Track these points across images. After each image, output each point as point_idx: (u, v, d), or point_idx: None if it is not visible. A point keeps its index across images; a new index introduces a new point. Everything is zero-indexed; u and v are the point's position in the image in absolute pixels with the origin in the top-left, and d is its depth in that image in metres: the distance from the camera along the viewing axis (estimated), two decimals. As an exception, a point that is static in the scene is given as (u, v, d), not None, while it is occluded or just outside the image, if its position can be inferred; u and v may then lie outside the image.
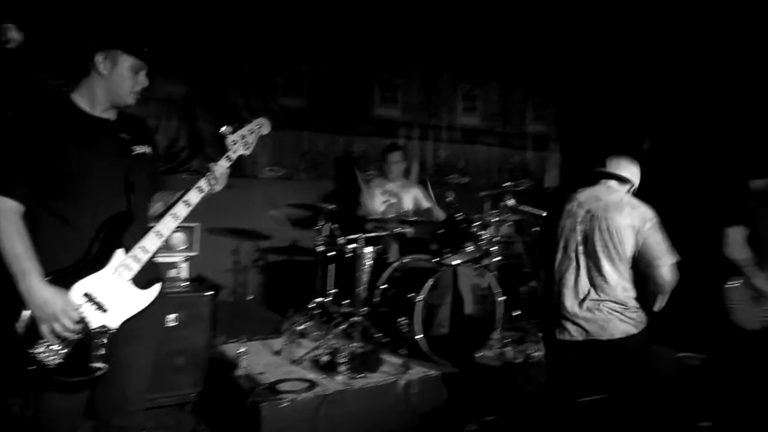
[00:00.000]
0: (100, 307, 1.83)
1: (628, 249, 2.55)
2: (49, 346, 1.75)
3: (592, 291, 2.58)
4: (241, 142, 2.13)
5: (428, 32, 5.56)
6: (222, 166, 2.07)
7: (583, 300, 2.58)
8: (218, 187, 2.08)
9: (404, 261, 4.14)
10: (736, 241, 3.23)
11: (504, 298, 3.96)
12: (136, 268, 1.89)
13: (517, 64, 6.21)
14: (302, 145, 5.23)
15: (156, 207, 2.12)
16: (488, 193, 4.68)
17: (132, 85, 1.95)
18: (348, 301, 4.17)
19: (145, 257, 1.91)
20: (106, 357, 1.83)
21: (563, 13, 5.56)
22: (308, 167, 5.27)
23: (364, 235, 4.19)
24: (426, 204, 4.75)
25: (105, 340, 1.83)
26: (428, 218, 4.58)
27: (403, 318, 3.62)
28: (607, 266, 2.55)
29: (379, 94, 5.61)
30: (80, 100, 1.93)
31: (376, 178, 4.89)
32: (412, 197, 4.77)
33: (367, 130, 5.55)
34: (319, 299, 4.11)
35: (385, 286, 4.03)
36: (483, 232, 4.07)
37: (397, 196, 4.72)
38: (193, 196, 2.01)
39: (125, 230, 1.91)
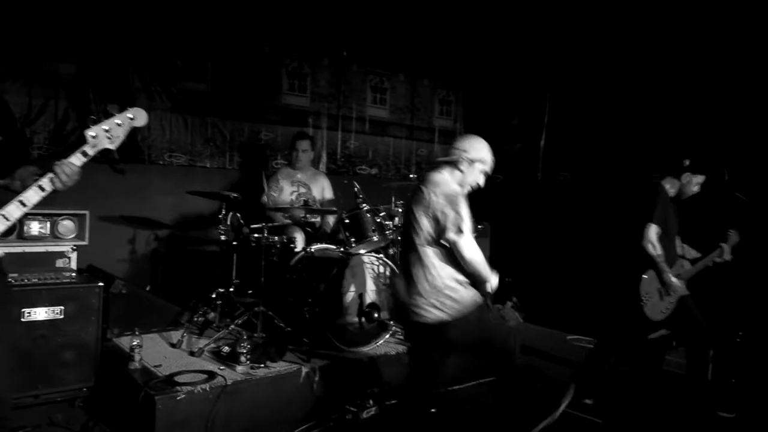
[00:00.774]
0: None
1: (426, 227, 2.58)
2: None
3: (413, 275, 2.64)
4: (103, 135, 1.97)
5: (338, 21, 5.57)
6: (72, 164, 1.91)
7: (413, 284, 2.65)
8: (69, 185, 1.93)
9: (310, 250, 4.13)
10: (653, 238, 3.43)
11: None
12: None
13: (425, 58, 6.36)
14: (206, 132, 5.07)
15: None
16: (395, 184, 4.77)
17: None
18: (251, 291, 4.11)
19: None
20: None
21: (470, 8, 5.76)
22: (212, 154, 5.11)
23: (269, 225, 4.14)
24: (331, 195, 4.76)
25: None
26: (334, 209, 4.60)
27: (308, 307, 3.61)
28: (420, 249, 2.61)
29: (287, 82, 5.54)
30: None
31: (284, 167, 4.83)
32: (320, 187, 4.76)
33: (275, 118, 5.47)
34: (222, 290, 4.01)
35: (290, 275, 4.01)
36: (389, 222, 4.15)
37: (306, 186, 4.70)
38: (32, 196, 1.88)
39: None
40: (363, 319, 3.83)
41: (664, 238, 3.48)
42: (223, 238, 4.10)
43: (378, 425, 3.27)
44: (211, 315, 3.99)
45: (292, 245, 4.25)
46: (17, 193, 1.91)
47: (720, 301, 4.00)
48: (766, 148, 4.53)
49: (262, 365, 3.28)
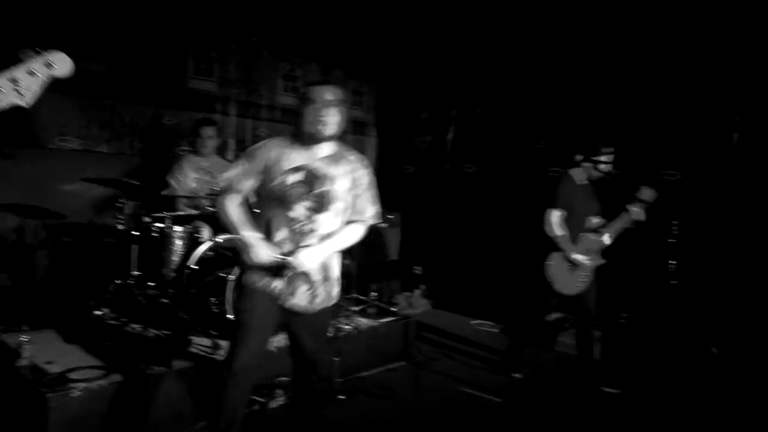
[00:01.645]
0: None
1: None
2: None
3: None
4: (10, 88, 1.50)
5: (247, 6, 5.42)
6: None
7: None
8: None
9: (217, 240, 4.02)
10: (555, 221, 3.77)
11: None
12: None
13: (337, 48, 6.35)
14: (103, 115, 4.77)
15: None
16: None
17: None
18: (153, 283, 3.95)
19: None
20: None
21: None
22: (109, 139, 4.82)
23: (172, 214, 3.98)
24: None
25: None
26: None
27: (214, 298, 3.53)
28: None
29: (193, 65, 5.33)
30: None
31: (188, 154, 4.65)
32: (226, 175, 4.62)
33: (179, 102, 5.25)
34: (120, 282, 3.82)
35: (196, 266, 3.88)
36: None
37: (210, 174, 4.54)
38: None
39: None
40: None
41: (569, 220, 3.81)
42: (121, 227, 3.90)
43: (286, 414, 3.27)
44: (109, 309, 3.80)
45: (196, 235, 4.12)
46: None
47: (607, 284, 4.34)
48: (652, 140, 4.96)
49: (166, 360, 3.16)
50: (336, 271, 2.48)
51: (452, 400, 3.72)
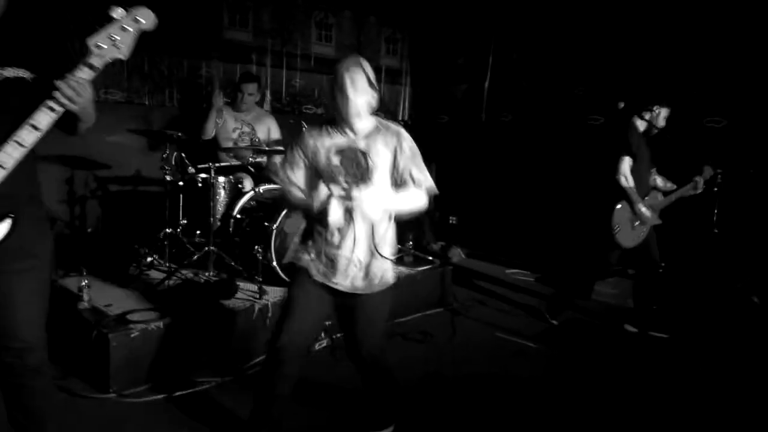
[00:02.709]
0: None
1: None
2: None
3: None
4: (109, 43, 1.66)
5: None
6: (78, 79, 1.62)
7: None
8: (80, 102, 1.63)
9: (259, 191, 4.13)
10: (627, 170, 3.69)
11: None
12: None
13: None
14: (143, 67, 4.84)
15: None
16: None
17: None
18: (200, 231, 4.09)
19: None
20: None
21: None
22: (151, 91, 4.91)
23: (215, 165, 4.08)
24: (278, 135, 4.71)
25: None
26: (281, 148, 4.57)
27: (258, 246, 3.65)
28: None
29: (228, 15, 5.32)
30: None
31: (228, 106, 4.71)
32: (266, 128, 4.69)
33: (216, 54, 5.27)
34: (169, 230, 3.98)
35: (240, 216, 4.01)
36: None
37: (250, 125, 4.61)
38: (42, 119, 1.61)
39: None
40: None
41: (636, 171, 3.74)
42: (168, 178, 4.02)
43: (328, 355, 3.42)
44: (158, 256, 3.98)
45: (240, 186, 4.23)
46: None
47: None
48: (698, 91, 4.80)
49: (216, 303, 3.33)
50: (388, 251, 2.37)
51: (488, 344, 3.82)
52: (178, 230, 4.03)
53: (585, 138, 3.88)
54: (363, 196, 2.14)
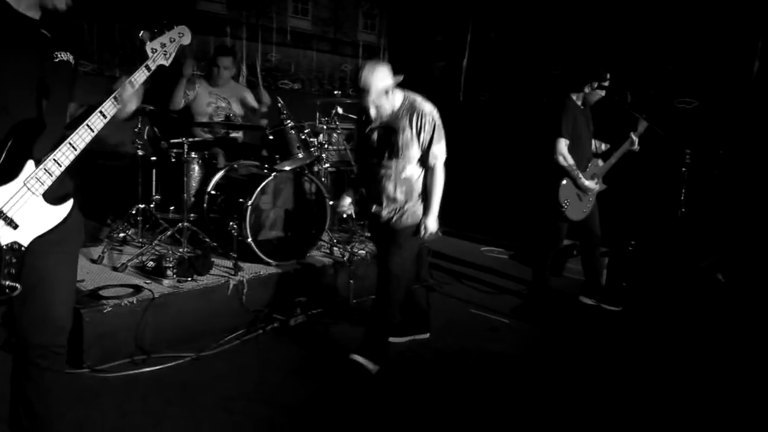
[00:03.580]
0: (11, 223, 1.63)
1: None
2: None
3: None
4: (161, 51, 1.95)
5: None
6: (137, 80, 1.86)
7: None
8: (130, 105, 1.89)
9: (234, 166, 4.09)
10: (563, 150, 3.77)
11: (332, 202, 4.13)
12: (48, 182, 1.68)
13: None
14: (113, 38, 4.71)
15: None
16: (320, 101, 4.72)
17: None
18: (174, 207, 4.05)
19: (57, 171, 1.69)
20: (16, 276, 1.64)
21: None
22: (122, 62, 4.79)
23: (189, 140, 4.02)
24: (254, 104, 4.64)
25: (15, 259, 1.64)
26: (256, 121, 4.51)
27: (233, 222, 3.64)
28: None
29: (202, -14, 5.20)
30: None
31: (202, 80, 4.62)
32: (240, 100, 4.62)
33: (189, 25, 5.12)
34: (142, 206, 3.92)
35: (214, 192, 3.97)
36: (313, 138, 4.14)
37: (225, 100, 4.54)
38: (110, 109, 1.80)
39: (35, 140, 1.68)
40: (290, 234, 3.91)
41: (576, 146, 3.82)
42: (140, 153, 3.95)
43: (305, 331, 3.45)
44: (131, 231, 3.93)
45: (214, 161, 4.18)
46: None
47: (617, 211, 4.41)
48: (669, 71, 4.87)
49: (190, 279, 3.31)
50: (416, 195, 2.98)
51: (463, 320, 3.89)
52: (152, 206, 3.98)
53: (548, 117, 3.93)
54: (428, 223, 2.95)
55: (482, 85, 6.31)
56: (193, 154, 4.02)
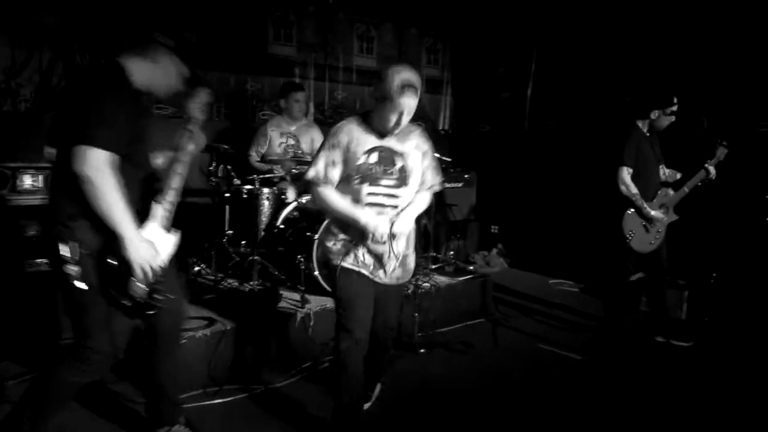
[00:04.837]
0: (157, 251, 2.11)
1: None
2: (137, 284, 2.07)
3: None
4: (198, 111, 2.37)
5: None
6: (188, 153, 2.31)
7: None
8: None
9: (301, 201, 4.22)
10: (627, 179, 3.64)
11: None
12: (168, 217, 2.21)
13: (412, 5, 6.28)
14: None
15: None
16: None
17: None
18: (245, 241, 4.21)
19: (171, 208, 2.21)
20: (164, 292, 2.16)
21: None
22: (200, 105, 5.08)
23: (259, 176, 4.20)
24: (319, 141, 4.79)
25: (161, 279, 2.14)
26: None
27: (301, 256, 3.73)
28: None
29: (272, 31, 5.47)
30: None
31: (275, 117, 4.83)
32: (310, 139, 4.79)
33: (261, 68, 5.43)
34: (215, 240, 4.11)
35: (283, 226, 4.11)
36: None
37: (294, 137, 4.73)
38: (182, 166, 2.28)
39: (152, 185, 2.21)
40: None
41: (641, 175, 3.67)
42: (215, 189, 4.16)
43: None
44: (206, 265, 4.11)
45: (283, 196, 4.33)
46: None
47: (697, 242, 4.18)
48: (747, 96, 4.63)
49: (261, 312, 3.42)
50: (412, 246, 2.63)
51: (531, 356, 3.77)
52: (224, 240, 4.16)
53: (613, 146, 3.79)
54: (399, 226, 2.42)
55: (548, 113, 6.23)
56: (263, 190, 4.19)
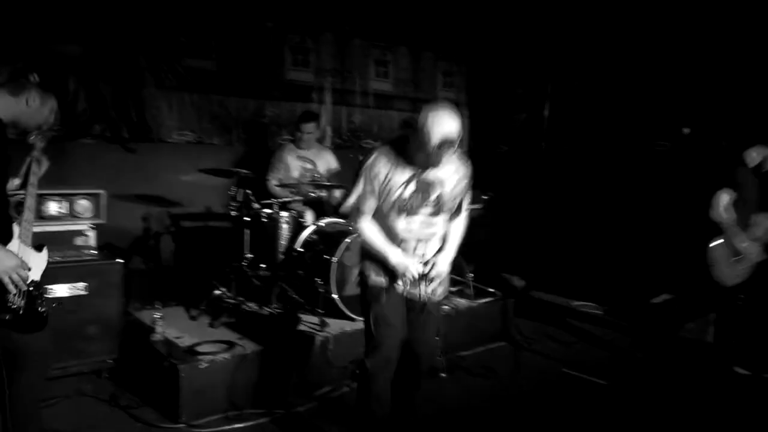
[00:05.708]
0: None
1: None
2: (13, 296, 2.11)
3: None
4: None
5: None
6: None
7: None
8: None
9: (320, 225, 4.23)
10: (722, 204, 3.48)
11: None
12: (28, 235, 2.23)
13: (427, 30, 6.35)
14: (212, 109, 5.12)
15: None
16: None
17: None
18: (264, 265, 4.22)
19: (29, 226, 2.23)
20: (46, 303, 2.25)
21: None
22: (219, 132, 5.17)
23: (278, 200, 4.22)
24: (336, 166, 4.84)
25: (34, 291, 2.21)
26: (341, 182, 4.67)
27: (320, 279, 3.73)
28: None
29: (290, 57, 5.56)
30: None
31: (288, 143, 4.88)
32: (325, 162, 4.83)
33: (279, 93, 5.50)
34: (235, 264, 4.12)
35: (302, 249, 4.11)
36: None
37: (311, 161, 4.76)
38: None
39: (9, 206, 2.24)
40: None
41: (739, 205, 3.50)
42: (234, 214, 4.19)
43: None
44: (226, 289, 4.12)
45: (301, 220, 4.35)
46: None
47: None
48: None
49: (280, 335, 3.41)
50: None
51: (554, 381, 3.70)
52: (244, 264, 4.18)
53: (650, 164, 3.68)
54: (439, 266, 2.42)
55: (566, 134, 6.21)
56: (282, 214, 4.21)
